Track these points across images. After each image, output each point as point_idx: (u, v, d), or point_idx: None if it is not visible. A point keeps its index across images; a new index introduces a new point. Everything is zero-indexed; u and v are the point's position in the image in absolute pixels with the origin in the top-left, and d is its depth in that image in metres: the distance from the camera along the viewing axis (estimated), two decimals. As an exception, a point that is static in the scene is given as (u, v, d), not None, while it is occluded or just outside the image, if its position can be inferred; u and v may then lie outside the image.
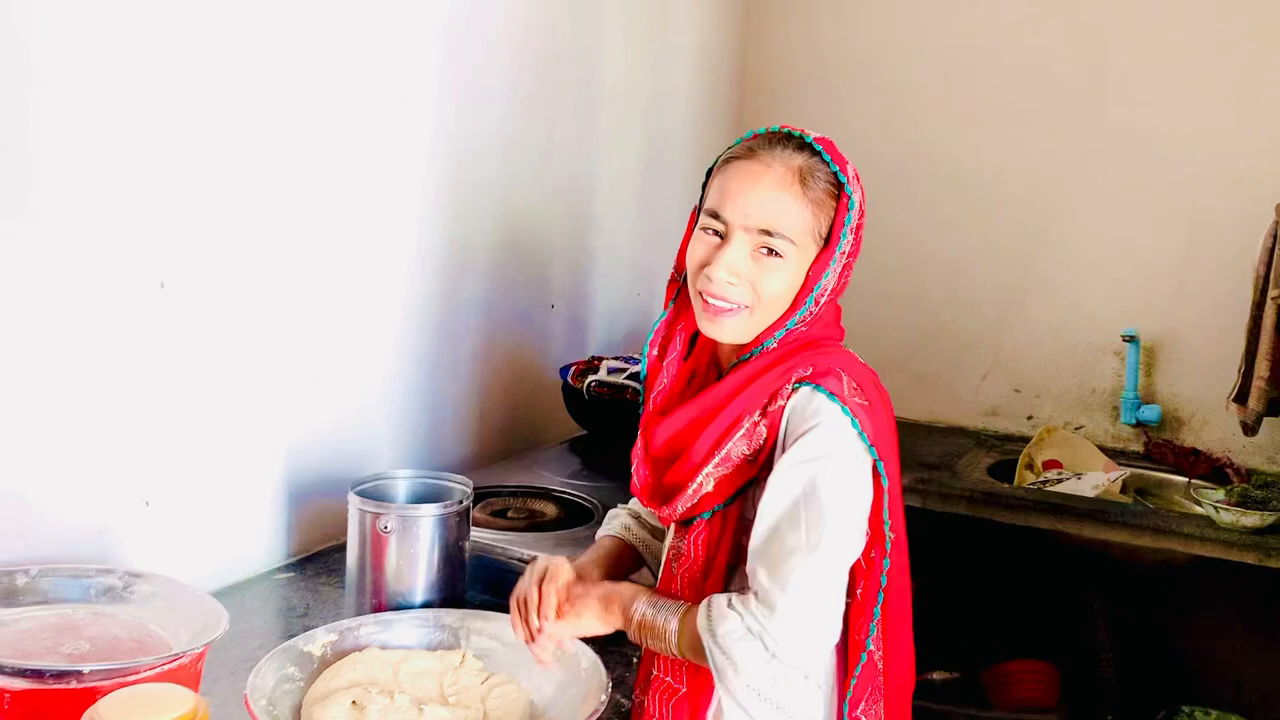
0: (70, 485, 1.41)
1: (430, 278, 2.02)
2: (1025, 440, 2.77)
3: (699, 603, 1.18)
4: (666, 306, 1.32)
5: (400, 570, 1.47)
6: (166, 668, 1.13)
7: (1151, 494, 2.62)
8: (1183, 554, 2.27)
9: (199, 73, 1.50)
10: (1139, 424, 2.79)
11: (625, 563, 1.42)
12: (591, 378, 2.17)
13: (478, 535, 1.63)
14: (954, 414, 3.03)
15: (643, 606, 1.21)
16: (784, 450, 1.16)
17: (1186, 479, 2.57)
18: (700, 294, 1.22)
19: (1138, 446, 2.81)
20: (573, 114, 2.42)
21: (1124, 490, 2.57)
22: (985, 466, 2.69)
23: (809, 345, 1.22)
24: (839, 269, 1.22)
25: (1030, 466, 2.66)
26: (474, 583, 1.58)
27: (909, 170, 3.01)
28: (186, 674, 1.16)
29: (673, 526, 1.29)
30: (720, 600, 1.15)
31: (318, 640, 1.34)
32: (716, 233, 1.21)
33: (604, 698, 1.23)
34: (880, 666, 1.22)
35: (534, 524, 1.82)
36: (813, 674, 1.17)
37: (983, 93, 2.93)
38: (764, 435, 1.19)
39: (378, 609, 1.47)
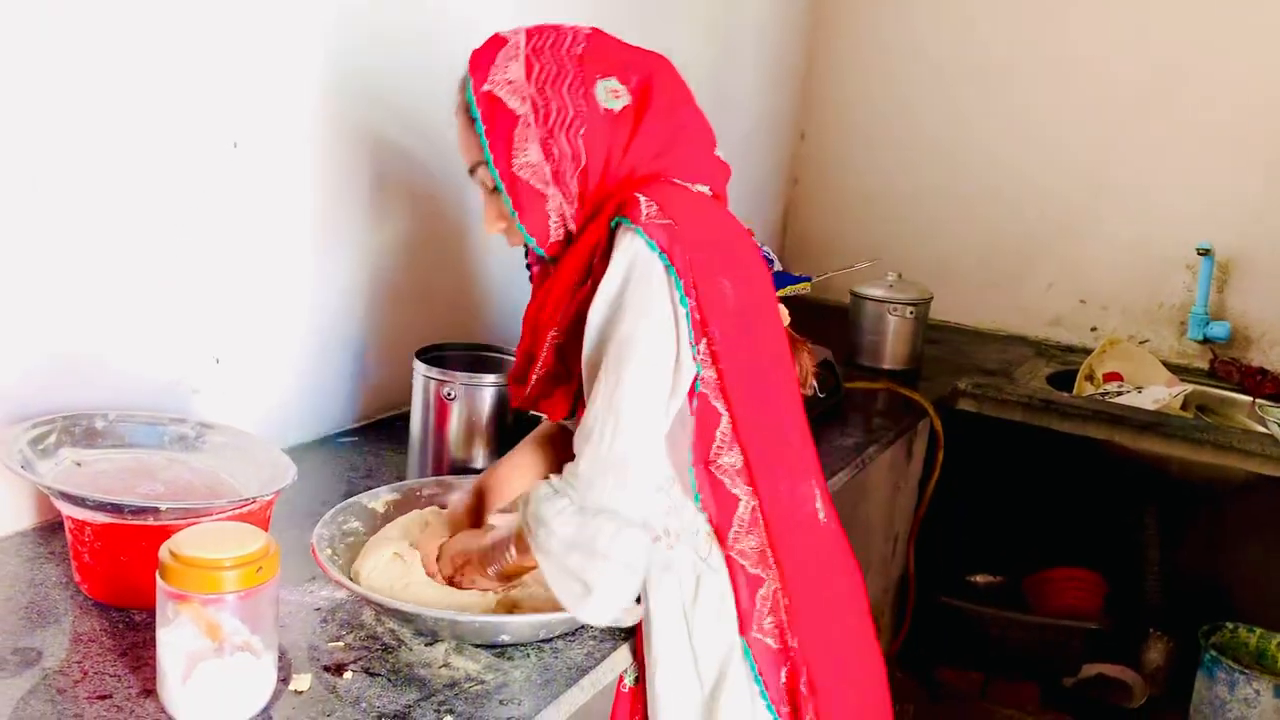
0: (144, 340, 1.44)
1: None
2: (1087, 352, 2.73)
3: None
4: None
5: (461, 436, 1.50)
6: (237, 511, 1.17)
7: (1213, 411, 2.59)
8: (1240, 471, 2.25)
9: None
10: (1206, 340, 2.73)
11: (566, 448, 1.37)
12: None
13: (536, 408, 1.65)
14: (1016, 322, 2.99)
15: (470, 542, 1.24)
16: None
17: (1251, 398, 2.53)
18: None
19: (1202, 364, 2.76)
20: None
21: (1185, 406, 2.53)
22: (1044, 376, 2.66)
23: (620, 189, 1.19)
24: (536, 144, 1.16)
25: (1090, 378, 2.63)
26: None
27: (978, 69, 2.93)
28: (256, 519, 1.20)
29: None
30: (540, 479, 1.16)
31: (381, 498, 1.38)
32: None
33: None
34: (745, 496, 1.19)
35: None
36: (629, 517, 1.09)
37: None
38: (592, 288, 1.16)
39: (438, 473, 1.50)
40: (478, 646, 1.17)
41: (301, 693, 1.07)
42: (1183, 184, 2.74)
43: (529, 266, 1.35)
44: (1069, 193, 2.88)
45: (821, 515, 1.28)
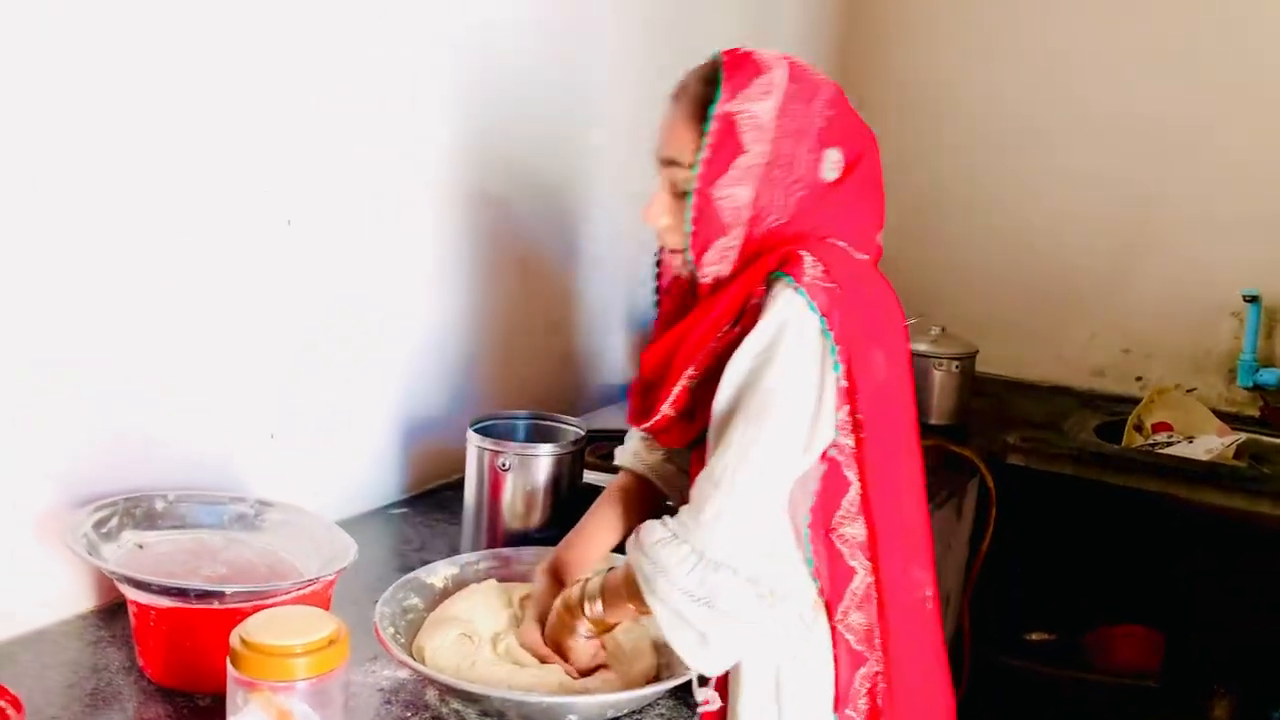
0: (199, 417, 1.44)
1: (516, 227, 2.02)
2: (1134, 402, 2.69)
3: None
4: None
5: (516, 507, 1.49)
6: (301, 592, 1.16)
7: (1268, 460, 2.54)
8: (1302, 522, 2.20)
9: (320, 29, 1.52)
10: (1256, 387, 2.69)
11: (642, 503, 1.40)
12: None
13: (588, 476, 1.64)
14: (1060, 374, 2.96)
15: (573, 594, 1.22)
16: None
17: (1306, 446, 2.49)
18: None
19: (1253, 411, 2.71)
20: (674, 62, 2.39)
21: (1238, 455, 2.49)
22: (1092, 427, 2.62)
23: (783, 242, 1.17)
24: (754, 184, 1.15)
25: (1139, 428, 2.59)
26: (585, 524, 1.60)
27: (1019, 120, 2.93)
28: (318, 599, 1.19)
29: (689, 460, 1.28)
30: (651, 520, 1.14)
31: (439, 572, 1.37)
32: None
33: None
34: (863, 571, 1.17)
35: (642, 468, 1.82)
36: (744, 571, 1.08)
37: (1103, 37, 2.82)
38: (739, 337, 1.14)
39: (493, 544, 1.49)
40: (545, 727, 1.15)
41: (370, 779, 1.05)
42: (1226, 230, 2.72)
43: (656, 294, 1.34)
44: (1110, 242, 2.86)
45: (929, 601, 1.26)
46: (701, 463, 1.17)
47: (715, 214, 1.15)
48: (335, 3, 1.53)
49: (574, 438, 1.55)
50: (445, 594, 1.35)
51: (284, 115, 1.48)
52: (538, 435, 1.59)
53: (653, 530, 1.12)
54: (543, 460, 1.49)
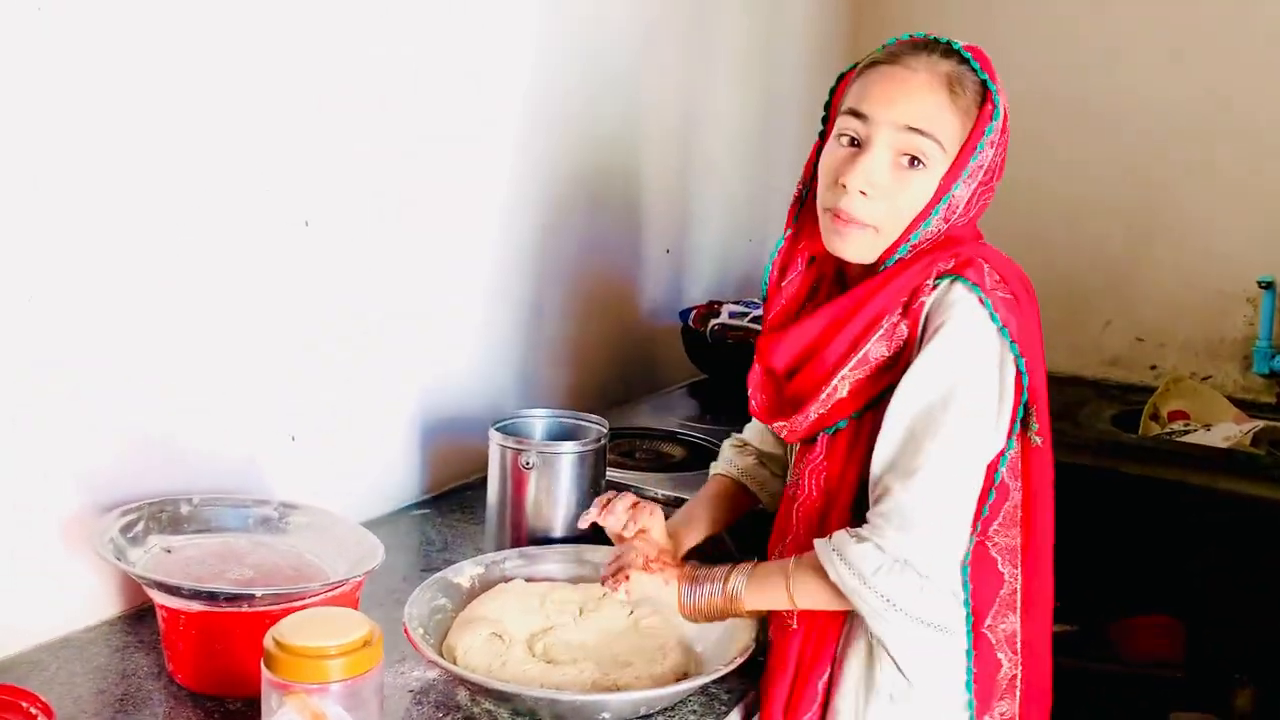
0: (221, 420, 1.44)
1: (540, 222, 2.01)
2: (1148, 391, 2.68)
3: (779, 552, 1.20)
4: (788, 228, 1.26)
5: (540, 506, 1.48)
6: (330, 594, 1.16)
7: (1286, 447, 2.53)
8: (1323, 509, 2.19)
9: (334, 31, 1.51)
10: (1272, 374, 2.68)
11: (735, 503, 1.40)
12: (714, 321, 2.15)
13: (611, 474, 1.63)
14: (1073, 364, 2.95)
15: (700, 591, 1.20)
16: (921, 347, 1.11)
17: (1324, 432, 2.47)
18: (829, 210, 1.16)
19: (1269, 398, 2.70)
20: (684, 57, 2.38)
21: (1255, 443, 2.47)
22: (1109, 417, 2.61)
23: (950, 242, 1.17)
24: (975, 184, 1.15)
25: (1155, 417, 2.58)
26: (607, 521, 1.59)
27: (1033, 106, 2.90)
28: (346, 600, 1.19)
29: (791, 454, 1.26)
30: (844, 539, 1.10)
31: (465, 572, 1.37)
32: (854, 140, 1.14)
33: (754, 634, 1.23)
34: (1011, 579, 1.17)
35: (662, 464, 1.82)
36: (954, 588, 1.11)
37: (1114, 22, 2.80)
38: (904, 334, 1.13)
39: (517, 543, 1.48)
40: (578, 725, 1.14)
41: (405, 780, 1.05)
42: (1239, 216, 2.70)
43: (772, 275, 1.28)
44: (1122, 230, 2.84)
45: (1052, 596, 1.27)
46: (820, 464, 1.18)
47: (947, 205, 1.14)
48: (347, 4, 1.52)
49: (597, 435, 1.54)
50: (472, 594, 1.34)
51: (301, 113, 1.47)
52: (560, 434, 1.58)
53: (866, 556, 1.08)
54: (566, 458, 1.48)
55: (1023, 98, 2.86)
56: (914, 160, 1.12)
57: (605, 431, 1.55)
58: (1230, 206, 2.71)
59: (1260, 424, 2.51)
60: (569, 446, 1.49)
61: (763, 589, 1.17)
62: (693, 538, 1.36)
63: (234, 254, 1.42)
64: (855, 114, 1.14)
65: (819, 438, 1.20)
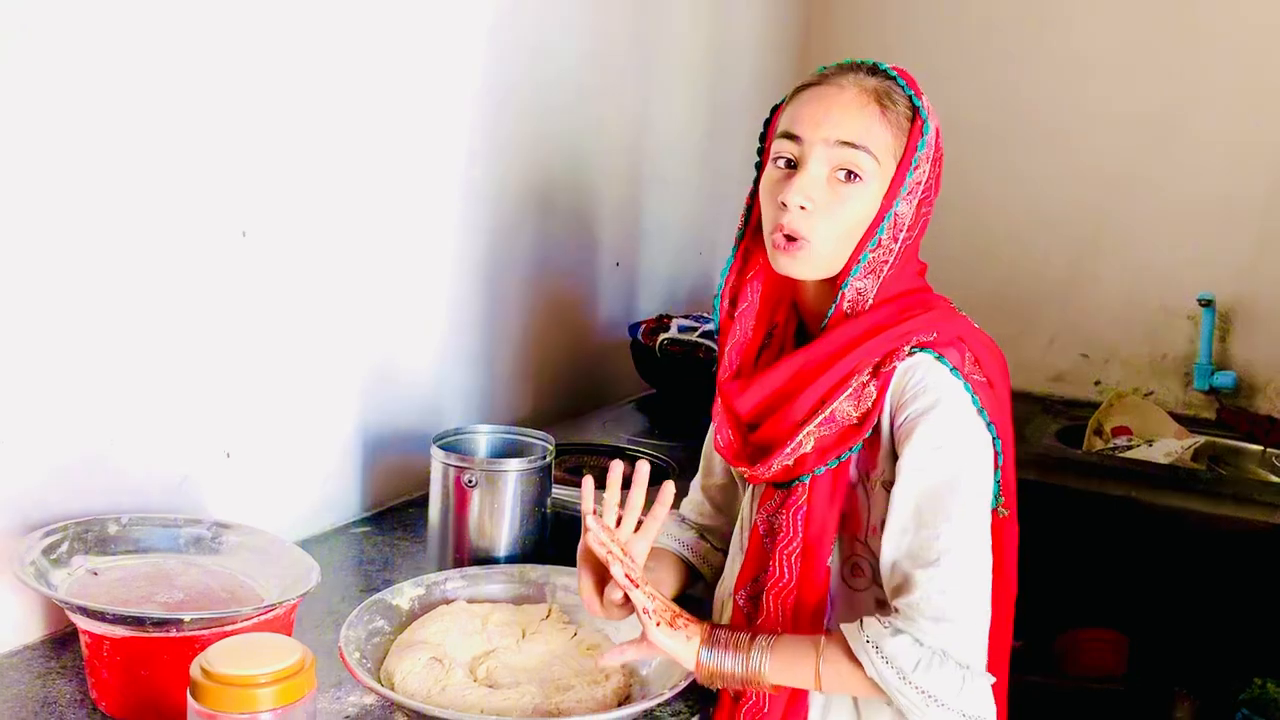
0: (152, 437, 1.40)
1: (488, 233, 1.99)
2: (1092, 406, 2.70)
3: (789, 622, 1.14)
4: (735, 259, 1.24)
5: (483, 525, 1.46)
6: (263, 618, 1.12)
7: (1225, 462, 2.56)
8: (1262, 523, 2.22)
9: (272, 35, 1.48)
10: (1212, 390, 2.72)
11: (676, 582, 1.34)
12: (663, 336, 2.14)
13: (557, 492, 1.60)
14: (1018, 379, 2.90)
15: (723, 658, 1.10)
16: (900, 422, 1.10)
17: (1262, 447, 2.51)
18: (773, 231, 1.15)
19: (1209, 414, 2.74)
20: (633, 70, 2.37)
21: (1196, 458, 2.51)
22: (1053, 432, 2.63)
23: (923, 306, 1.16)
24: (915, 201, 1.15)
25: (1099, 433, 2.61)
26: (553, 540, 1.56)
27: (978, 126, 2.94)
28: (280, 624, 1.15)
29: (750, 498, 1.24)
30: (879, 630, 1.06)
31: (405, 594, 1.33)
32: (789, 162, 1.14)
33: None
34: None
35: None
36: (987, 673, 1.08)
37: (1063, 43, 2.83)
38: (873, 396, 1.12)
39: (459, 563, 1.46)
40: (519, 752, 1.12)
41: (339, 812, 1.01)
42: (1179, 235, 2.74)
43: (726, 310, 1.24)
44: (1066, 247, 2.87)
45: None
46: (799, 500, 1.16)
47: (891, 222, 1.14)
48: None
49: (542, 452, 1.51)
50: (412, 616, 1.31)
51: (240, 120, 1.44)
52: (505, 450, 1.56)
53: (904, 651, 1.04)
54: (510, 475, 1.46)
55: (966, 116, 2.91)
56: (850, 175, 1.12)
57: (550, 449, 1.53)
58: (1172, 224, 2.75)
59: (1201, 439, 2.55)
60: (513, 464, 1.46)
61: (789, 669, 1.10)
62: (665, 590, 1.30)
63: (168, 264, 1.38)
64: (789, 136, 1.15)
65: (796, 483, 1.17)
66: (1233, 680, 2.46)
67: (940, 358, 1.11)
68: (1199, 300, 2.66)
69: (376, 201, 1.69)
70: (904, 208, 1.14)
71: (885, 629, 1.06)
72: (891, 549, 1.09)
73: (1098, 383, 2.89)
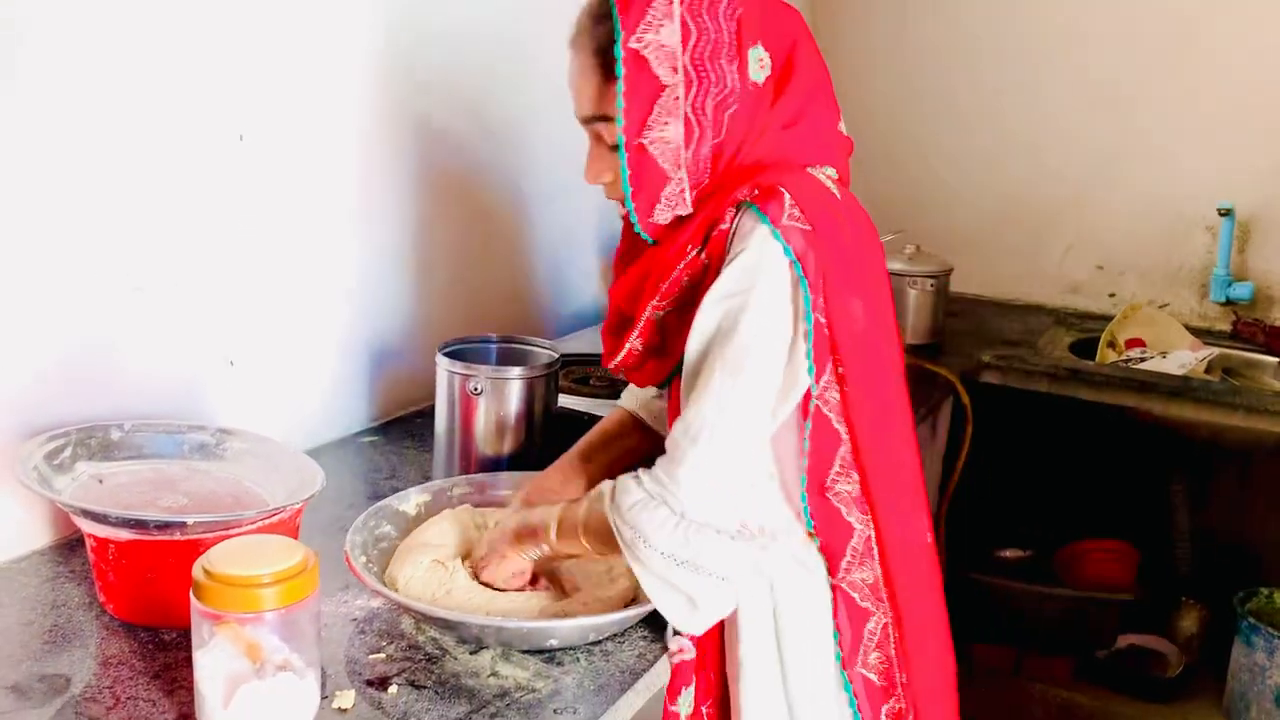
0: (155, 343, 1.38)
1: (497, 138, 1.95)
2: (1107, 319, 2.68)
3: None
4: None
5: (489, 432, 1.44)
6: (267, 521, 1.12)
7: (1239, 374, 2.54)
8: (1271, 434, 2.21)
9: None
10: (1229, 302, 2.68)
11: (631, 441, 1.36)
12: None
13: (563, 400, 1.59)
14: (1033, 291, 2.94)
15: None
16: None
17: (1278, 359, 2.49)
18: None
19: (1225, 326, 2.71)
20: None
21: (1210, 370, 2.49)
22: (1066, 344, 2.61)
23: (755, 169, 1.10)
24: (680, 114, 1.06)
25: (1112, 345, 2.58)
26: (559, 449, 1.55)
27: (991, 35, 2.86)
28: (286, 529, 1.15)
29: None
30: (625, 477, 1.09)
31: (411, 499, 1.33)
32: None
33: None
34: (864, 526, 1.14)
35: (616, 392, 1.78)
36: (728, 527, 1.07)
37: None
38: (704, 261, 1.10)
39: (466, 470, 1.45)
40: (525, 653, 1.12)
41: (346, 710, 1.02)
42: (1200, 143, 2.68)
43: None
44: (1084, 157, 2.82)
45: (929, 547, 1.24)
46: (677, 399, 1.13)
47: (650, 163, 1.08)
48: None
49: (547, 360, 1.50)
50: (419, 521, 1.31)
51: (235, 21, 1.40)
52: (510, 359, 1.54)
53: (628, 491, 1.07)
54: (515, 383, 1.44)
55: (984, 20, 2.84)
56: (603, 142, 1.12)
57: (557, 357, 1.51)
58: (1191, 133, 2.69)
59: (1215, 351, 2.52)
60: (518, 372, 1.45)
61: (567, 539, 1.15)
62: (571, 490, 1.30)
63: (166, 168, 1.35)
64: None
65: (673, 380, 1.16)
66: (1237, 589, 2.47)
67: (753, 206, 1.06)
68: (1218, 210, 2.61)
69: (381, 104, 1.65)
70: (659, 135, 1.07)
71: (629, 476, 1.09)
72: (681, 391, 1.10)
73: (1113, 294, 2.86)
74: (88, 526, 1.11)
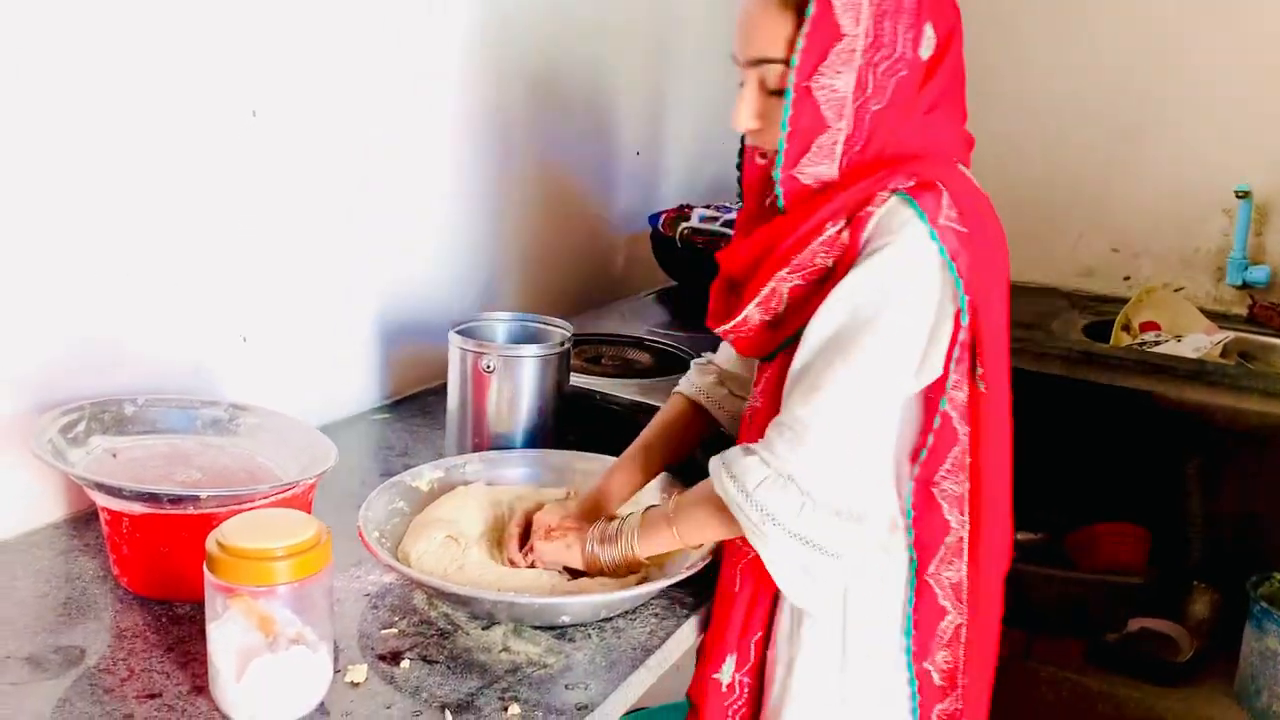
0: (168, 320, 1.38)
1: (506, 121, 1.94)
2: (1121, 302, 2.65)
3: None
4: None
5: (501, 410, 1.45)
6: (280, 496, 1.12)
7: (1255, 358, 2.52)
8: (1288, 418, 2.19)
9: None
10: (1245, 285, 2.66)
11: (686, 433, 1.35)
12: (684, 225, 2.09)
13: (575, 380, 1.59)
14: (1047, 274, 2.92)
15: (600, 551, 1.17)
16: (858, 262, 1.06)
17: (1294, 343, 2.47)
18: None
19: (1241, 309, 2.68)
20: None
21: (1225, 354, 2.47)
22: (1080, 327, 2.59)
23: (912, 158, 1.09)
24: (849, 72, 1.05)
25: (1127, 328, 2.57)
26: (571, 428, 1.55)
27: (1003, 14, 2.83)
28: (299, 503, 1.15)
29: (754, 373, 1.22)
30: (736, 452, 1.08)
31: (425, 476, 1.33)
32: (741, 84, 1.12)
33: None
34: (959, 527, 1.13)
35: (628, 371, 1.78)
36: (848, 510, 1.06)
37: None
38: (845, 243, 1.07)
39: (478, 448, 1.45)
40: (536, 629, 1.12)
41: (358, 684, 1.03)
42: (1218, 125, 2.65)
43: (740, 170, 1.26)
44: (1099, 139, 2.79)
45: (1009, 549, 1.23)
46: (773, 377, 1.13)
47: (815, 108, 1.06)
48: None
49: (560, 339, 1.50)
50: (431, 498, 1.32)
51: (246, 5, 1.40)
52: (523, 337, 1.54)
53: (750, 469, 1.05)
54: (528, 361, 1.44)
55: (1006, 9, 2.81)
56: (765, 86, 1.09)
57: (569, 336, 1.51)
58: (1209, 116, 2.66)
59: (1230, 335, 2.50)
60: (531, 350, 1.45)
61: (652, 538, 1.16)
62: (628, 488, 1.31)
63: (179, 144, 1.35)
64: (734, 58, 1.13)
65: (778, 355, 1.15)
66: (1249, 574, 2.46)
67: (911, 200, 1.05)
68: (1236, 192, 2.59)
69: (389, 83, 1.65)
70: (829, 83, 1.05)
71: (742, 451, 1.08)
72: (790, 374, 1.08)
73: (1127, 278, 2.83)
74: (102, 500, 1.11)
